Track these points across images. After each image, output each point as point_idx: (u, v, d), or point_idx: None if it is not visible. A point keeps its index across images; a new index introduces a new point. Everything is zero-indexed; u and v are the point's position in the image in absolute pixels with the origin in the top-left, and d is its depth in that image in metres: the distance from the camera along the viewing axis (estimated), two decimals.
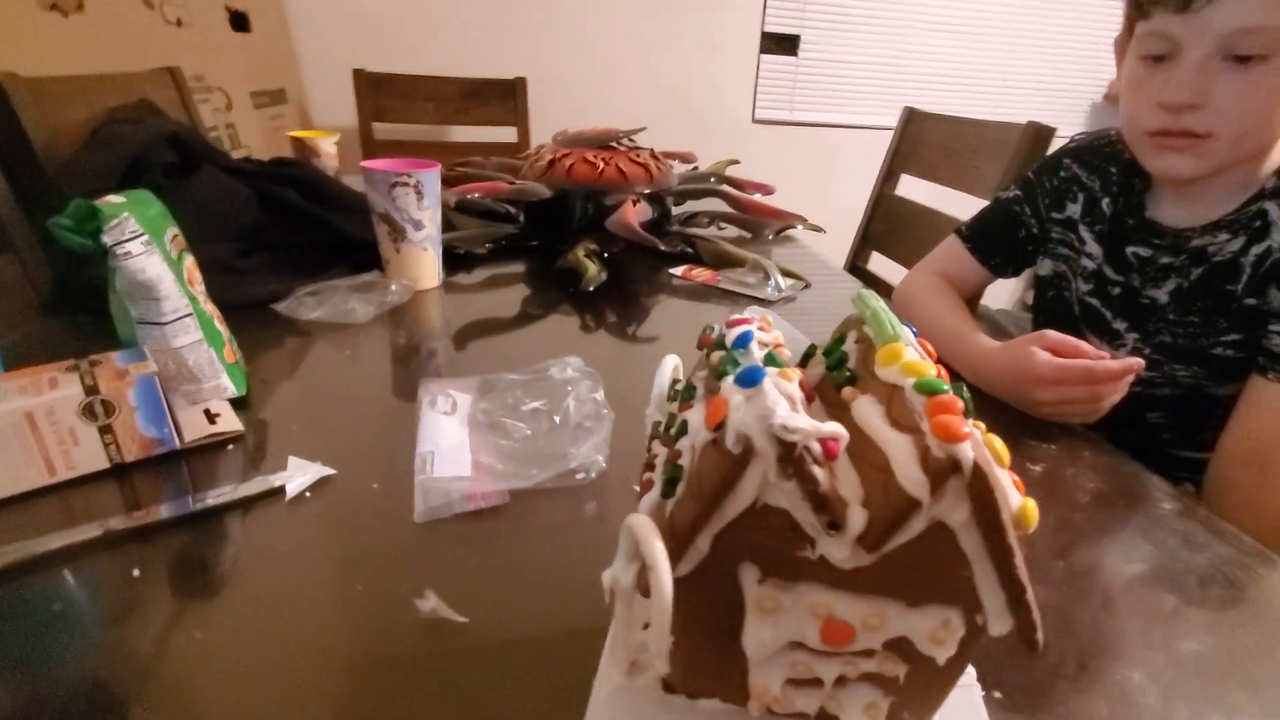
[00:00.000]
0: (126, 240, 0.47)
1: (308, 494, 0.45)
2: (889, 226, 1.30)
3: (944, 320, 0.70)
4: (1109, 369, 0.53)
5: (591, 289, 0.84)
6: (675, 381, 0.37)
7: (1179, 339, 0.63)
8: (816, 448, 0.24)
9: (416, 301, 0.82)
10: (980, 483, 0.23)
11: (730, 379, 0.27)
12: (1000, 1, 2.08)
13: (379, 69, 1.87)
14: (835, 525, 0.24)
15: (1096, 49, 2.25)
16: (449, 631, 0.35)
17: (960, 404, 0.24)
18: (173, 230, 0.55)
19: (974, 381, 0.62)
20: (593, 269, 0.85)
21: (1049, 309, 0.74)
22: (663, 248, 0.96)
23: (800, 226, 1.11)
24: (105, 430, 0.45)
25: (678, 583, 0.25)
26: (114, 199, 0.50)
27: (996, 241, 0.76)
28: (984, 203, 1.10)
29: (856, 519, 0.24)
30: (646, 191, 1.04)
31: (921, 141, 1.25)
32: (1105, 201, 0.68)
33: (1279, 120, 0.55)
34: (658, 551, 0.23)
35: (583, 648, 0.34)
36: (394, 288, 0.79)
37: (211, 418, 0.52)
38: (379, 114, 1.90)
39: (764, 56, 2.06)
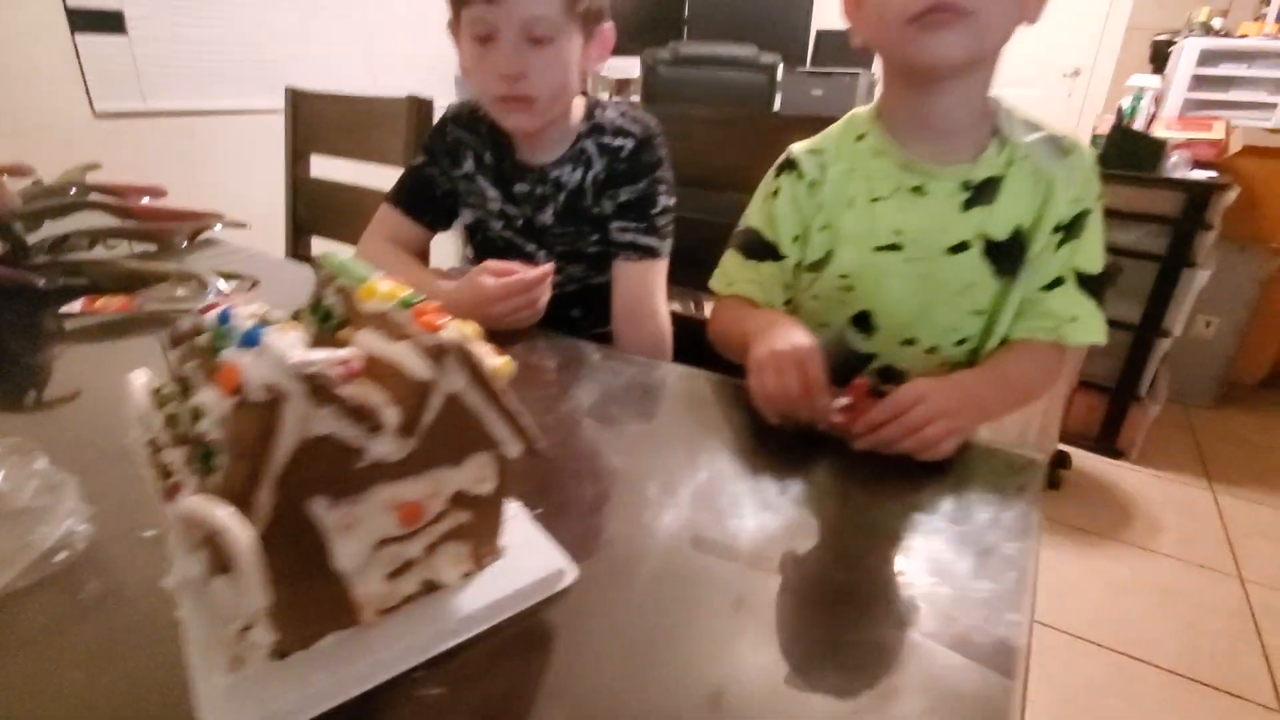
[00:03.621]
0: None
1: None
2: (316, 210, 1.30)
3: (402, 276, 0.79)
4: (535, 275, 0.71)
5: None
6: (157, 390, 0.34)
7: (566, 247, 0.87)
8: (338, 370, 0.28)
9: None
10: (465, 354, 0.31)
11: (231, 348, 0.29)
12: None
13: None
14: (376, 427, 0.29)
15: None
16: None
17: (436, 305, 0.32)
18: None
19: None
20: None
21: (481, 248, 0.91)
22: (40, 284, 0.76)
23: (219, 226, 1.02)
24: None
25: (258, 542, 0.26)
26: None
27: (423, 202, 0.88)
28: (397, 172, 1.21)
29: (392, 415, 0.30)
30: None
31: (317, 121, 1.27)
32: (488, 155, 0.86)
33: (573, 85, 0.79)
34: (221, 514, 0.25)
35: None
36: None
37: None
38: None
39: (80, 37, 1.68)
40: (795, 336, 0.56)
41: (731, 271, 0.76)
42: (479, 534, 0.36)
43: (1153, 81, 2.12)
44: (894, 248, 0.66)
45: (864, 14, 0.62)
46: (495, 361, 0.34)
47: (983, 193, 0.64)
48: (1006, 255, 0.65)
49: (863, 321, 0.71)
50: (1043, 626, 1.35)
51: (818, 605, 0.38)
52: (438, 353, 0.30)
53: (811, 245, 0.72)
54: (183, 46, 1.85)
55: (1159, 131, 1.98)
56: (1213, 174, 1.78)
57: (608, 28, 0.79)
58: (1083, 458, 1.92)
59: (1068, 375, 1.68)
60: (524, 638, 0.35)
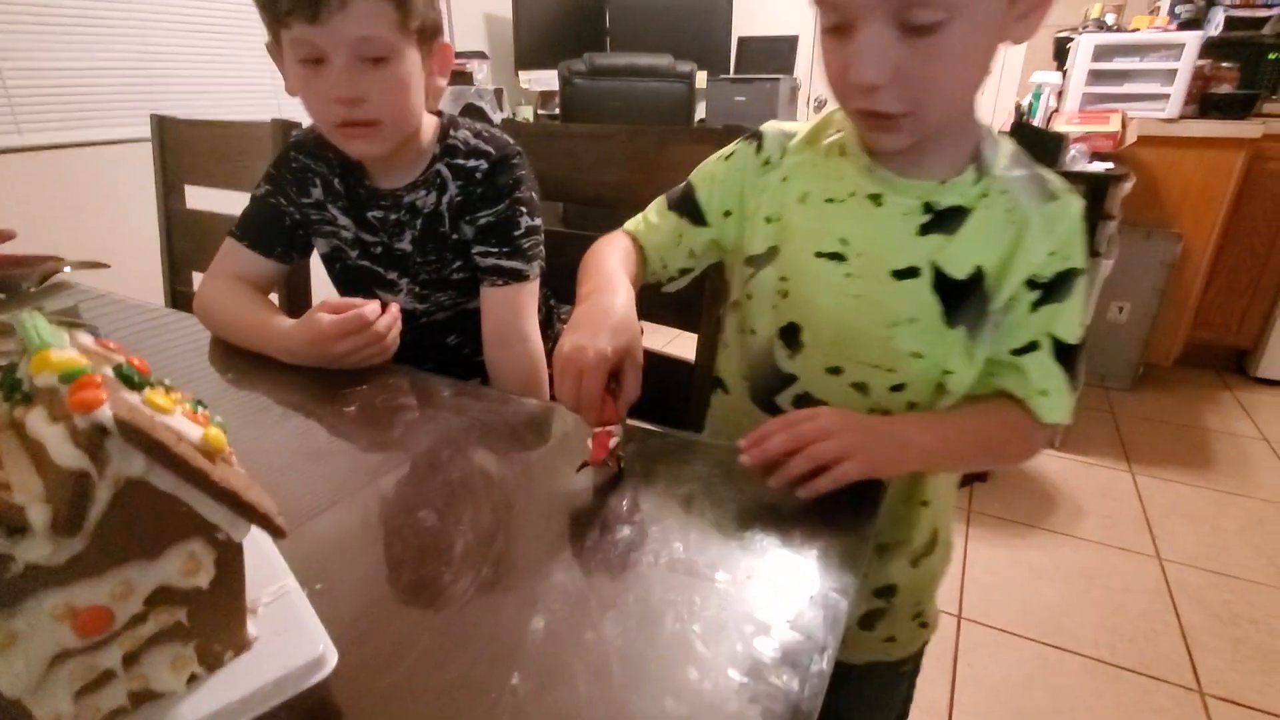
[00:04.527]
0: None
1: None
2: (194, 243, 1.22)
3: (243, 317, 0.74)
4: (373, 310, 0.66)
5: None
6: None
7: (430, 274, 0.83)
8: None
9: None
10: (138, 434, 0.27)
11: None
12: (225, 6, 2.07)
13: None
14: (18, 529, 0.25)
15: None
16: None
17: (99, 378, 0.27)
18: None
19: (285, 358, 0.69)
20: None
21: (340, 279, 0.86)
22: None
23: (68, 269, 0.94)
24: None
25: None
26: None
27: (270, 234, 0.82)
28: None
29: (39, 515, 0.25)
30: None
31: (187, 149, 1.20)
32: (337, 181, 0.81)
33: (417, 105, 0.75)
34: None
35: None
36: None
37: None
38: None
39: None
40: (591, 337, 0.50)
41: (647, 213, 0.71)
42: (206, 630, 0.31)
43: (1052, 78, 2.18)
44: (837, 257, 0.59)
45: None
46: (197, 433, 0.30)
47: (944, 220, 0.56)
48: (963, 299, 0.56)
49: (791, 336, 0.63)
50: (970, 623, 1.35)
51: (608, 676, 0.35)
52: (94, 435, 0.26)
53: (756, 235, 0.65)
54: (58, 77, 1.74)
55: (1060, 126, 2.04)
56: (1110, 165, 1.83)
57: (445, 44, 0.76)
58: None
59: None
60: None
